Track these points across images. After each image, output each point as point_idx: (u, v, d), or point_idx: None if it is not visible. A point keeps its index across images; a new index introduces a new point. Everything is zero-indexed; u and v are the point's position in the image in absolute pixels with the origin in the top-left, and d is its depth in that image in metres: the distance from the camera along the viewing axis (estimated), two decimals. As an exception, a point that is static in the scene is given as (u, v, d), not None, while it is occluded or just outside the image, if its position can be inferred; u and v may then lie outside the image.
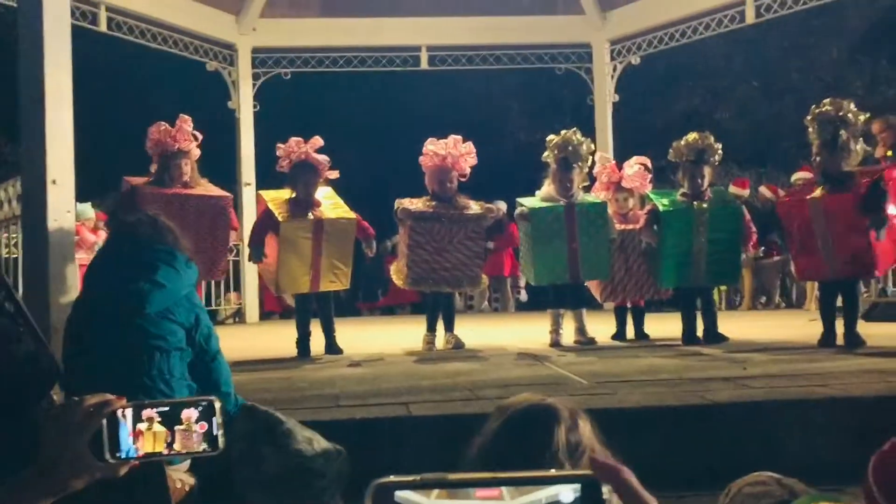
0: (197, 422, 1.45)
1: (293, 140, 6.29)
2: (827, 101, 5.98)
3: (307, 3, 11.48)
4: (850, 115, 5.85)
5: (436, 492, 0.83)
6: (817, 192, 5.84)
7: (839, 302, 6.00)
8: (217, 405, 1.48)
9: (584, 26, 11.35)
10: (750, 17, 10.00)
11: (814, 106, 5.99)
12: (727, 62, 17.40)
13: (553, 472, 0.87)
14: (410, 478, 0.83)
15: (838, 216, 5.67)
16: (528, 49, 11.58)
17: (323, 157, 6.31)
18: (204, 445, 1.39)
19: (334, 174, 6.40)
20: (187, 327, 3.10)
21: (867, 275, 6.64)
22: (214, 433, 1.40)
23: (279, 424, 1.57)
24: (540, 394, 1.66)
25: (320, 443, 1.69)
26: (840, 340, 5.80)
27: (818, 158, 5.93)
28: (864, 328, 6.19)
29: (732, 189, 10.60)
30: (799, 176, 8.93)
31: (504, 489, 0.84)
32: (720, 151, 6.54)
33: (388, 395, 4.19)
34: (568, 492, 0.85)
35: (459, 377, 4.77)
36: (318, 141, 6.31)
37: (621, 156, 7.71)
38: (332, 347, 6.31)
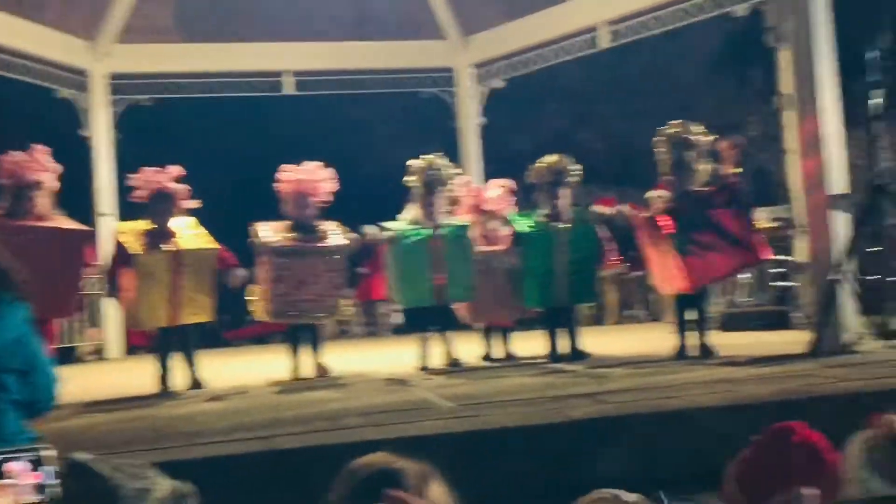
0: (29, 471, 1.40)
1: (148, 170, 6.11)
2: (674, 122, 6.29)
3: (167, 28, 11.17)
4: (695, 136, 6.17)
5: None
6: (657, 210, 6.12)
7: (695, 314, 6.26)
8: (49, 454, 1.43)
9: (446, 50, 11.50)
10: (604, 42, 10.35)
11: (662, 128, 6.28)
12: (589, 85, 17.97)
13: None
14: None
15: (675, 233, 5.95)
16: (392, 73, 11.63)
17: (181, 187, 6.15)
18: (37, 497, 1.35)
19: (194, 204, 6.24)
20: (22, 373, 2.90)
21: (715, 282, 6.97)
22: (47, 483, 1.36)
23: (104, 481, 1.50)
24: (391, 455, 1.64)
25: (158, 491, 1.62)
26: (695, 351, 6.05)
27: (667, 178, 6.23)
28: (719, 338, 6.49)
29: (596, 208, 10.87)
30: (653, 194, 9.27)
31: None
32: (579, 173, 6.74)
33: (250, 429, 4.10)
34: None
35: (323, 406, 4.73)
36: (175, 170, 6.14)
37: (490, 178, 7.84)
38: (194, 382, 6.13)
